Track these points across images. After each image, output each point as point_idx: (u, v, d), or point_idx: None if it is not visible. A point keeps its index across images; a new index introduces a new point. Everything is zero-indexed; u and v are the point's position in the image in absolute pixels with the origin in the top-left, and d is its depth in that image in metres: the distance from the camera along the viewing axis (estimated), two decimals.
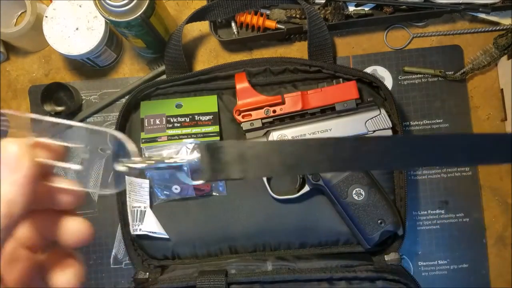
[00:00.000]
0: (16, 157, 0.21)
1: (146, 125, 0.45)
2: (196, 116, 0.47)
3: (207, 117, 0.47)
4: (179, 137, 0.46)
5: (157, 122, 0.46)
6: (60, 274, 0.24)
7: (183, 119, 0.47)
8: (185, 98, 0.49)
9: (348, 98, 0.49)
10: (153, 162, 0.26)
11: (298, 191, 0.50)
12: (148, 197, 0.52)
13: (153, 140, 0.47)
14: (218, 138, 0.48)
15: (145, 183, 0.52)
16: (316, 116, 0.50)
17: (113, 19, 0.46)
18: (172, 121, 0.47)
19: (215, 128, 0.47)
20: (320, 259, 0.48)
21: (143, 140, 0.41)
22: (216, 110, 0.47)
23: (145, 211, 0.52)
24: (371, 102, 0.50)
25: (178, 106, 0.47)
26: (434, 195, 0.55)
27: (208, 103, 0.49)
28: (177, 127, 0.47)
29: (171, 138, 0.47)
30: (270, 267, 0.47)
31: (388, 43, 0.57)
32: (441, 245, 0.55)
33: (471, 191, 0.55)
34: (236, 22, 0.56)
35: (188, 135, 0.47)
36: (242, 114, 0.51)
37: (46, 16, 0.52)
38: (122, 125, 0.53)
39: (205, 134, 0.48)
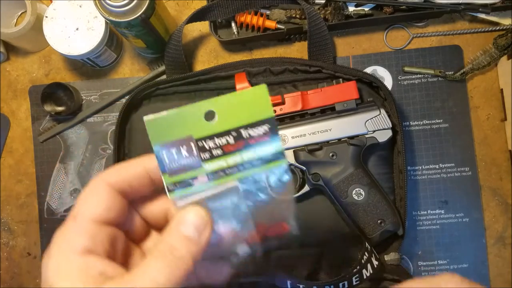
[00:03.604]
0: (199, 227, 0.24)
1: (167, 161, 0.25)
2: (243, 131, 0.25)
3: (261, 129, 0.25)
4: (226, 172, 0.26)
5: (184, 153, 0.25)
6: None
7: (223, 140, 0.25)
8: (214, 98, 0.25)
9: (348, 98, 0.50)
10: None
11: (298, 191, 0.50)
12: None
13: (186, 184, 0.26)
14: (283, 163, 0.26)
15: None
16: (316, 116, 0.50)
17: (113, 19, 0.46)
18: (207, 146, 0.25)
19: (276, 145, 0.25)
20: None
21: (169, 188, 0.25)
22: (273, 115, 0.25)
23: None
24: (371, 102, 0.50)
25: (209, 115, 0.25)
26: (434, 195, 0.55)
27: (255, 103, 0.25)
28: (219, 156, 0.25)
29: (214, 176, 0.26)
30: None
31: (388, 43, 0.57)
32: (441, 245, 0.55)
33: (471, 191, 0.55)
34: (236, 22, 0.56)
35: (239, 167, 0.26)
36: None
37: (46, 16, 0.52)
38: (122, 126, 0.53)
39: (264, 159, 0.26)
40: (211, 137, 0.25)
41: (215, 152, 0.25)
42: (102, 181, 0.24)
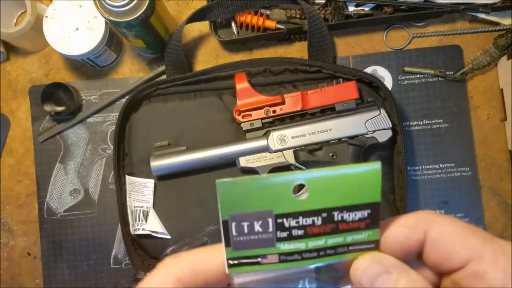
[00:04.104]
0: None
1: (235, 233, 0.21)
2: (336, 213, 0.21)
3: (358, 214, 0.21)
4: (302, 256, 0.21)
5: (257, 228, 0.21)
6: None
7: (309, 221, 0.21)
8: (311, 170, 0.21)
9: (348, 98, 0.49)
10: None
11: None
12: (151, 196, 0.52)
13: (252, 261, 0.22)
14: (376, 251, 0.22)
15: (150, 182, 0.52)
16: (316, 116, 0.50)
17: (113, 19, 0.46)
18: (286, 225, 0.21)
19: (373, 235, 0.21)
20: None
21: (230, 263, 0.21)
22: (379, 199, 0.21)
23: (148, 211, 0.52)
24: (371, 102, 0.50)
25: (298, 190, 0.21)
26: (434, 195, 0.55)
27: (362, 182, 0.21)
28: (298, 238, 0.21)
29: (286, 259, 0.21)
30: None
31: (388, 43, 0.57)
32: None
33: (471, 191, 0.55)
34: (236, 22, 0.56)
35: (320, 252, 0.21)
36: (242, 114, 0.51)
37: (46, 16, 0.52)
38: (122, 125, 0.53)
39: (352, 247, 0.22)
40: (295, 216, 0.20)
41: (295, 232, 0.21)
42: (174, 278, 0.21)
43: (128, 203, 0.52)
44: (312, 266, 0.21)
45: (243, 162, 0.50)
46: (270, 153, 0.49)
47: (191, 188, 0.52)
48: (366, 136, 0.49)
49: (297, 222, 0.20)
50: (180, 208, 0.52)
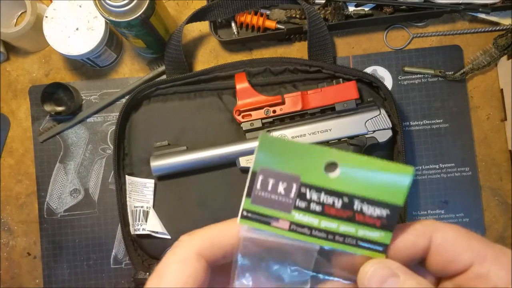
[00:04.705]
0: None
1: (259, 187, 0.21)
2: (357, 202, 0.21)
3: (377, 211, 0.21)
4: (311, 232, 0.22)
5: (281, 189, 0.21)
6: None
7: (329, 200, 0.21)
8: (349, 153, 0.21)
9: (348, 98, 0.49)
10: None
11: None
12: (151, 197, 0.52)
13: (264, 219, 0.22)
14: (383, 256, 0.22)
15: (150, 182, 0.52)
16: (316, 116, 0.50)
17: (113, 19, 0.46)
18: (308, 197, 0.21)
19: (384, 238, 0.21)
20: None
21: (244, 214, 0.22)
22: (401, 203, 0.21)
23: (148, 211, 0.52)
24: (371, 102, 0.50)
25: (330, 167, 0.21)
26: (434, 195, 0.55)
27: (391, 180, 0.21)
28: (314, 213, 0.21)
29: (295, 229, 0.22)
30: None
31: (388, 43, 0.57)
32: None
33: (471, 191, 0.55)
34: (236, 22, 0.56)
35: (329, 235, 0.22)
36: (242, 114, 0.51)
37: (46, 16, 0.52)
38: (122, 126, 0.53)
39: (361, 242, 0.22)
40: (318, 190, 0.21)
41: (313, 206, 0.21)
42: (195, 252, 0.21)
43: (128, 203, 0.52)
44: (317, 247, 0.21)
45: (243, 162, 0.50)
46: None
47: (191, 188, 0.52)
48: (366, 136, 0.49)
49: (318, 197, 0.21)
50: (180, 208, 0.52)
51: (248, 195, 0.21)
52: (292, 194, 0.21)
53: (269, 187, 0.21)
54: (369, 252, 0.21)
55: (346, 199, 0.21)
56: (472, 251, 0.20)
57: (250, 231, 0.21)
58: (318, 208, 0.21)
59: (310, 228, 0.21)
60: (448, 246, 0.21)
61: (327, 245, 0.21)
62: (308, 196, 0.21)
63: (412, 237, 0.21)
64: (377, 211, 0.21)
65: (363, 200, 0.21)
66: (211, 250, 0.22)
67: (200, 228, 0.22)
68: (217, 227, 0.22)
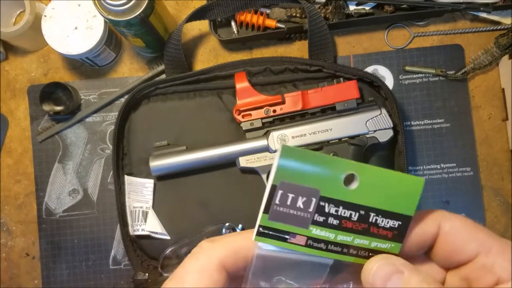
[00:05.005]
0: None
1: (278, 201, 0.21)
2: (372, 215, 0.21)
3: (390, 222, 0.22)
4: (327, 247, 0.21)
5: (300, 204, 0.21)
6: None
7: (347, 214, 0.21)
8: (366, 165, 0.21)
9: (348, 97, 0.49)
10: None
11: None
12: (151, 197, 0.52)
13: (280, 236, 0.21)
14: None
15: (149, 182, 0.52)
16: (317, 116, 0.50)
17: (112, 18, 0.46)
18: (327, 210, 0.21)
19: (394, 248, 0.22)
20: None
21: (260, 231, 0.21)
22: (412, 214, 0.22)
23: (147, 211, 0.52)
24: (372, 101, 0.50)
25: (349, 178, 0.21)
26: (435, 195, 0.55)
27: (403, 192, 0.21)
28: (332, 227, 0.21)
29: (312, 244, 0.21)
30: None
31: (389, 42, 0.57)
32: None
33: (472, 191, 0.55)
34: (236, 21, 0.56)
35: (344, 248, 0.22)
36: (242, 113, 0.50)
37: (45, 16, 0.52)
38: (121, 125, 0.53)
39: (371, 255, 0.22)
40: (337, 203, 0.21)
41: (331, 220, 0.21)
42: (217, 263, 0.20)
43: (127, 203, 0.52)
44: (331, 261, 0.21)
45: (243, 162, 0.50)
46: (270, 153, 0.49)
47: (190, 188, 0.52)
48: (367, 136, 0.48)
49: (336, 211, 0.21)
50: (180, 208, 0.52)
51: (266, 211, 0.20)
52: (311, 209, 0.20)
53: (288, 202, 0.20)
54: None
55: (362, 212, 0.21)
56: (478, 241, 0.21)
57: (264, 248, 0.21)
58: (335, 222, 0.21)
59: (326, 242, 0.21)
60: (455, 235, 0.21)
61: (342, 259, 0.21)
62: (326, 210, 0.21)
63: (423, 224, 0.22)
64: (390, 223, 0.21)
65: (378, 212, 0.21)
66: (234, 261, 0.21)
67: (221, 236, 0.22)
68: (241, 236, 0.21)
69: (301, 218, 0.21)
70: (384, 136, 0.49)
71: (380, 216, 0.21)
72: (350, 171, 0.20)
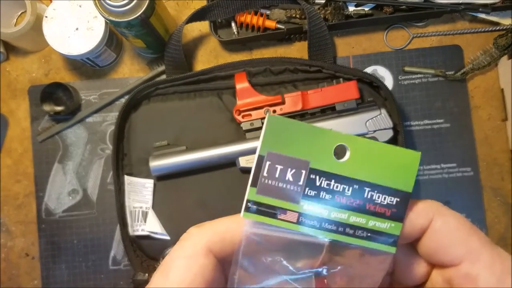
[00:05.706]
0: None
1: (266, 173, 0.20)
2: (367, 190, 0.20)
3: (388, 199, 0.20)
4: (321, 225, 0.20)
5: (289, 176, 0.20)
6: None
7: (340, 188, 0.20)
8: (356, 137, 0.20)
9: (348, 98, 0.49)
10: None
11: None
12: (151, 197, 0.52)
13: (270, 212, 0.20)
14: (392, 249, 0.21)
15: (149, 183, 0.52)
16: (316, 116, 0.50)
17: (113, 19, 0.46)
18: (318, 184, 0.20)
19: (394, 229, 0.20)
20: None
21: (248, 205, 0.20)
22: (410, 190, 0.21)
23: (147, 211, 0.52)
24: (372, 102, 0.50)
25: (340, 151, 0.20)
26: (435, 195, 0.55)
27: (399, 166, 0.20)
28: (324, 201, 0.20)
29: (304, 221, 0.20)
30: None
31: (388, 43, 0.57)
32: None
33: (473, 191, 0.55)
34: (236, 22, 0.56)
35: (339, 227, 0.20)
36: (242, 114, 0.50)
37: (46, 16, 0.52)
38: (121, 125, 0.53)
39: (370, 235, 0.20)
40: (328, 176, 0.20)
41: (323, 194, 0.20)
42: (204, 247, 0.20)
43: (127, 204, 0.52)
44: (326, 241, 0.20)
45: (243, 162, 0.50)
46: None
47: (190, 188, 0.52)
48: (367, 136, 0.49)
49: (328, 185, 0.20)
50: (180, 208, 0.52)
51: (254, 184, 0.19)
52: (301, 181, 0.19)
53: (277, 174, 0.19)
54: (379, 245, 0.20)
55: (356, 187, 0.20)
56: (467, 247, 0.19)
57: (254, 227, 0.20)
58: (328, 196, 0.20)
59: (320, 220, 0.20)
60: (443, 234, 0.20)
61: (338, 239, 0.20)
62: (317, 183, 0.20)
63: (413, 214, 0.20)
64: (387, 199, 0.20)
65: (373, 187, 0.20)
66: (221, 245, 0.20)
67: (210, 220, 0.21)
68: (229, 220, 0.20)
69: (291, 192, 0.19)
70: (384, 136, 0.49)
71: (375, 191, 0.20)
72: (340, 142, 0.20)
